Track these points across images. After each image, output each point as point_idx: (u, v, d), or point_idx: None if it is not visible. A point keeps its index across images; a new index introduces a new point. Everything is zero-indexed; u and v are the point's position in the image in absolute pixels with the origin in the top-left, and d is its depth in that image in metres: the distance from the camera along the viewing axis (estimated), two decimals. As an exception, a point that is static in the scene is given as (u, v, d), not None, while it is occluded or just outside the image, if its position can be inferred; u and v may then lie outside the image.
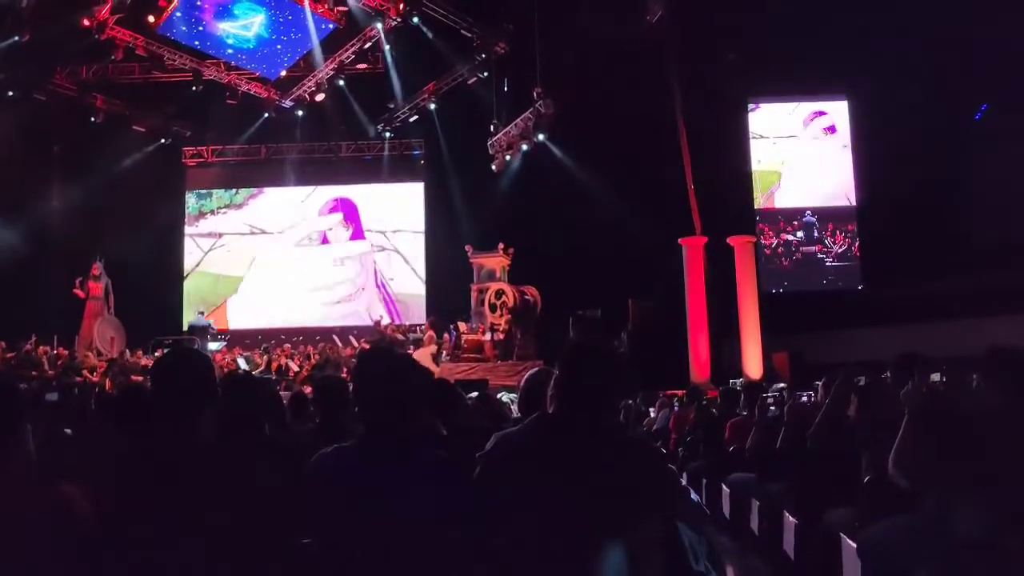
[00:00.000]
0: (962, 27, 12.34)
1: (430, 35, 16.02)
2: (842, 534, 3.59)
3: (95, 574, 1.86)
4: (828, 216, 17.43)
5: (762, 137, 17.57)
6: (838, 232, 17.29)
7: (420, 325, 17.74)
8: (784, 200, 17.58)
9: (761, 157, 17.53)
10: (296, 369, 15.25)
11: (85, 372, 14.28)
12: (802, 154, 17.70)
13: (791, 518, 4.46)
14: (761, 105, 17.67)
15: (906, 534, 2.93)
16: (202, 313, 17.61)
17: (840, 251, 17.23)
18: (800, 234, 17.33)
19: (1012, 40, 12.20)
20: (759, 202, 17.32)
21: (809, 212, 17.40)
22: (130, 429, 3.06)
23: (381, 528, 1.97)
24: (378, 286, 20.35)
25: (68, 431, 3.79)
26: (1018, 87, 12.85)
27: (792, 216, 17.46)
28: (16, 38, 14.57)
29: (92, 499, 1.92)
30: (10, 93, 16.14)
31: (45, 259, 16.84)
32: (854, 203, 17.37)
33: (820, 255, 17.26)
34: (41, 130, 17.02)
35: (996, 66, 13.02)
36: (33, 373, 13.37)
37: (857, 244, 17.11)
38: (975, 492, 2.61)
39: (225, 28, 15.55)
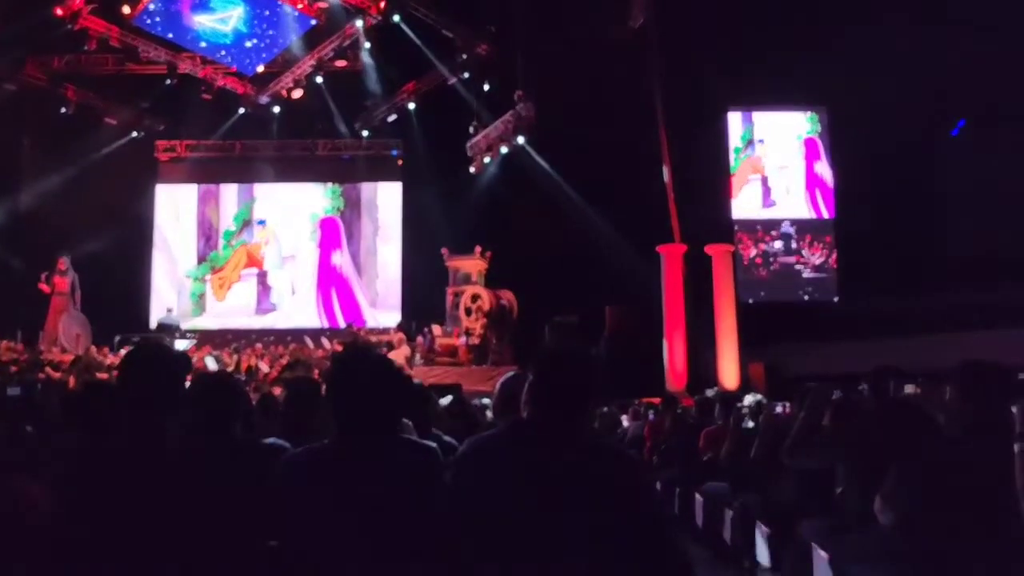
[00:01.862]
0: (941, 41, 12.56)
1: (411, 34, 15.95)
2: (815, 544, 3.60)
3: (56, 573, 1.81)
4: (806, 227, 17.63)
5: (744, 145, 17.81)
6: (816, 243, 17.50)
7: (390, 328, 17.62)
8: (761, 209, 17.78)
9: (741, 163, 17.76)
10: (266, 370, 15.06)
11: (48, 369, 13.99)
12: (781, 164, 17.94)
13: (764, 527, 4.47)
14: (742, 113, 17.88)
15: (878, 544, 2.94)
16: (171, 311, 17.37)
17: (817, 263, 17.43)
18: (778, 244, 17.51)
19: (990, 54, 12.44)
20: (737, 210, 17.48)
21: (787, 222, 17.59)
22: (93, 427, 2.99)
23: (351, 530, 1.95)
24: (351, 287, 20.21)
25: (30, 428, 3.69)
26: (995, 101, 13.10)
27: (770, 226, 17.64)
28: (-14, 26, 14.30)
29: (54, 498, 1.87)
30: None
31: (10, 252, 16.47)
32: (831, 215, 17.61)
33: (798, 266, 17.45)
34: (10, 120, 16.68)
35: (974, 80, 13.25)
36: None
37: (834, 256, 17.33)
38: (945, 502, 2.65)
39: (202, 21, 15.37)
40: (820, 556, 3.49)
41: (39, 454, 3.07)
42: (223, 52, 16.56)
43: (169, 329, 15.98)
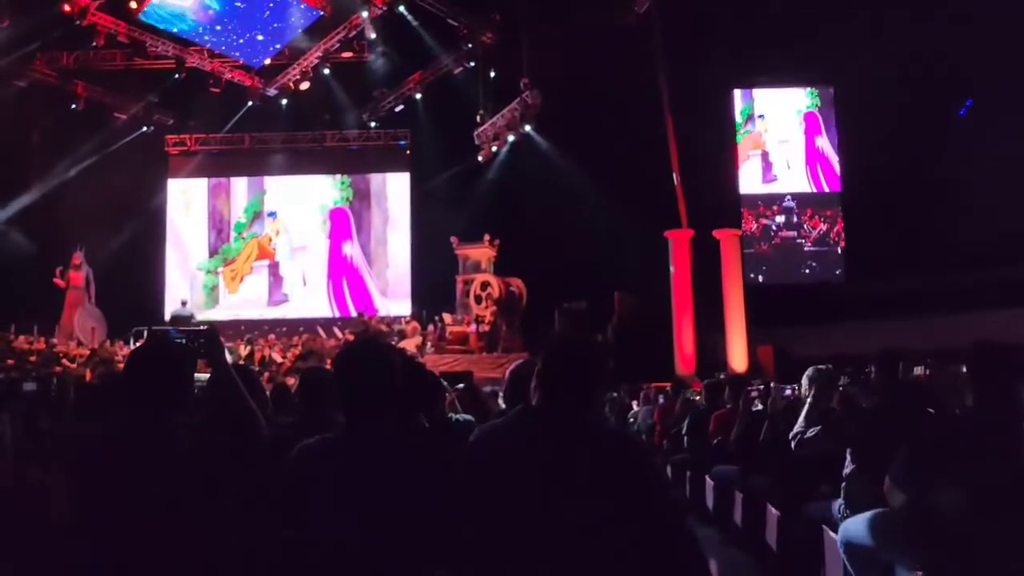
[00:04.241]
0: (950, 19, 12.43)
1: (416, 24, 15.92)
2: (824, 526, 3.61)
3: (69, 564, 1.83)
4: (807, 201, 17.57)
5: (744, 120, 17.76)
6: (816, 217, 17.44)
7: (404, 317, 17.70)
8: (761, 184, 17.73)
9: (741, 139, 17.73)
10: (280, 360, 15.16)
11: (65, 361, 14.11)
12: (781, 138, 17.86)
13: (774, 510, 4.48)
14: (743, 90, 17.80)
15: (887, 525, 2.95)
16: (184, 303, 17.47)
17: (818, 235, 17.37)
18: (779, 219, 17.48)
19: (999, 34, 12.31)
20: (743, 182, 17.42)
21: (789, 197, 17.55)
22: (108, 421, 3.02)
23: (362, 519, 1.97)
24: (362, 277, 20.28)
25: (46, 422, 3.74)
26: (1005, 81, 12.97)
27: (771, 201, 17.59)
28: (-4, 23, 14.36)
29: (69, 489, 1.89)
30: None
31: (25, 247, 16.61)
32: (833, 189, 17.54)
33: (799, 240, 17.42)
34: (21, 117, 16.77)
35: (981, 59, 13.11)
36: (9, 362, 13.20)
37: (835, 229, 17.29)
38: (956, 482, 2.64)
39: (208, 15, 15.37)
40: (830, 537, 3.50)
41: (54, 447, 3.11)
42: (228, 45, 16.54)
43: (183, 321, 16.07)
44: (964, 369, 3.43)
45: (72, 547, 1.85)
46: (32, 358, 13.60)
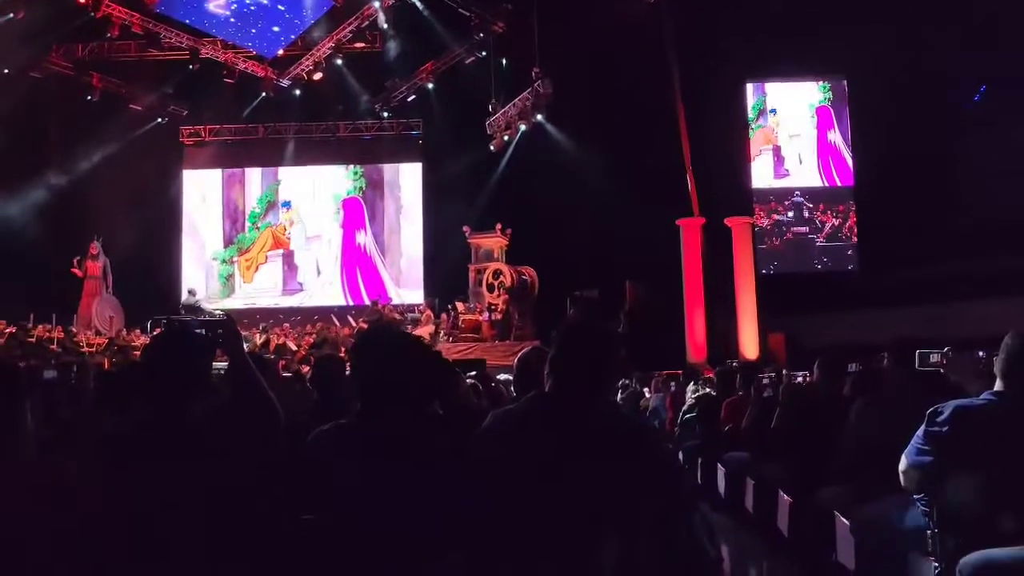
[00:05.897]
0: (962, 12, 12.30)
1: (427, 14, 15.91)
2: (836, 512, 3.62)
3: (90, 551, 1.86)
4: (819, 196, 17.45)
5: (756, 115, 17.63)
6: (828, 212, 17.32)
7: (418, 305, 17.79)
8: (774, 179, 17.61)
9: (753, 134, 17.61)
10: (294, 348, 15.28)
11: (86, 350, 14.28)
12: (793, 133, 17.72)
13: (785, 496, 4.49)
14: (755, 84, 17.66)
15: (899, 512, 2.96)
16: (192, 292, 17.57)
17: (829, 231, 17.25)
18: (791, 214, 17.38)
19: (1011, 21, 12.17)
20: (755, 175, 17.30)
21: (798, 192, 17.44)
22: (125, 409, 3.06)
23: (378, 506, 1.98)
24: (375, 266, 20.36)
25: (67, 409, 3.80)
26: (1019, 72, 12.82)
27: (783, 196, 17.48)
28: (11, 15, 14.45)
29: (87, 480, 1.92)
30: (5, 71, 16.01)
31: (42, 238, 16.78)
32: (845, 184, 17.40)
33: (811, 235, 17.31)
34: (37, 108, 16.90)
35: (996, 53, 12.96)
36: (30, 340, 13.38)
37: (847, 224, 17.17)
38: (968, 472, 2.60)
39: (220, 5, 15.41)
40: (842, 523, 3.51)
41: (74, 436, 3.16)
42: (242, 35, 16.57)
43: (194, 310, 16.19)
44: (981, 354, 3.39)
45: (91, 538, 1.87)
46: (53, 346, 13.77)
